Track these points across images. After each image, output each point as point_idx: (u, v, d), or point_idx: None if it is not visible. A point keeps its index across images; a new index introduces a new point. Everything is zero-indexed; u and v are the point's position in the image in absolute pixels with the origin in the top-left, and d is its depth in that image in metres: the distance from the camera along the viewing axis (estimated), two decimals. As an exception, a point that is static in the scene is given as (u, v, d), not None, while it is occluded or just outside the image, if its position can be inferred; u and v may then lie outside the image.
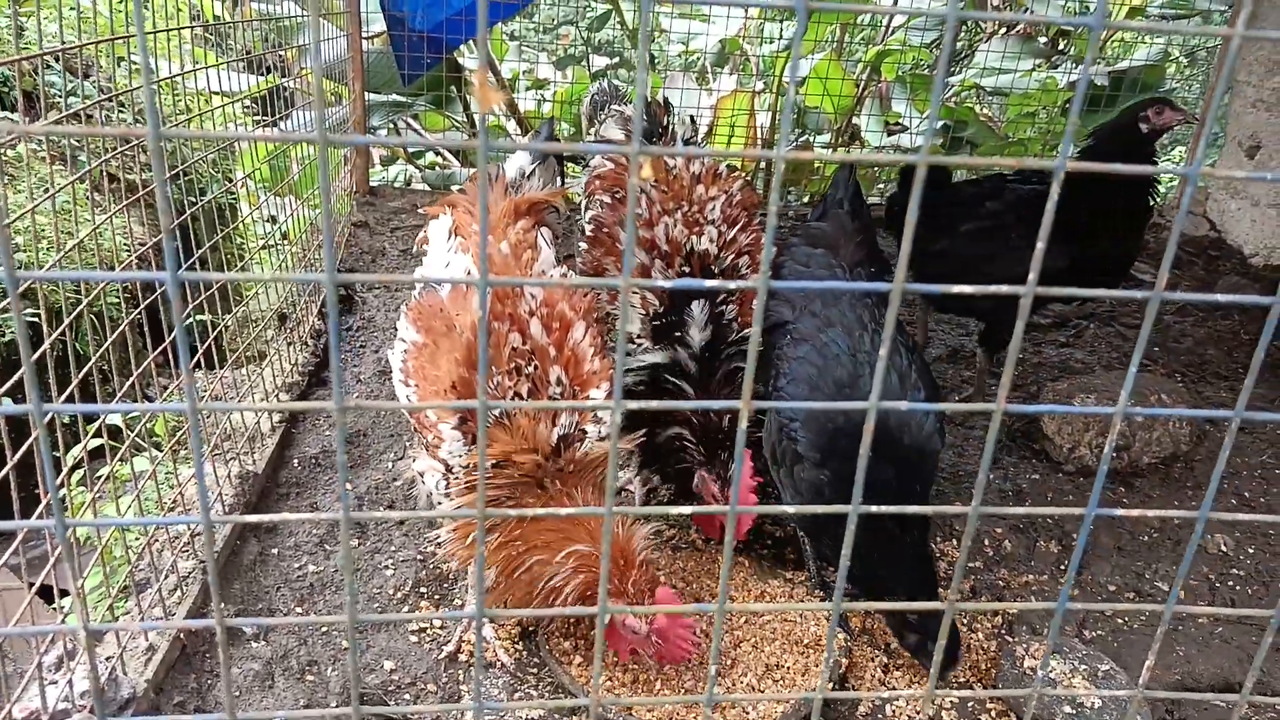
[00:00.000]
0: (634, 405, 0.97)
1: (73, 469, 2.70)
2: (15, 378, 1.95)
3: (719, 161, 3.57)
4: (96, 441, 2.44)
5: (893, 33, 7.61)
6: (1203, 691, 2.95)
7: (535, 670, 2.80)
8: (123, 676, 2.38)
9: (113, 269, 2.54)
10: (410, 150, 7.50)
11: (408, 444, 3.65)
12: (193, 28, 3.42)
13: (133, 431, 2.74)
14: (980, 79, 7.24)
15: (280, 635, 2.77)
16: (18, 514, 2.01)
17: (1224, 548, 3.50)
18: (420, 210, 3.49)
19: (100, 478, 2.52)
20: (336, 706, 2.60)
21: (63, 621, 2.59)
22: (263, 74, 4.47)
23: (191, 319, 3.11)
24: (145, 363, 2.57)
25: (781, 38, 7.15)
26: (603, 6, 7.66)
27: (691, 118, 4.15)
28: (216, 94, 3.54)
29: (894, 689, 2.82)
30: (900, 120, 7.44)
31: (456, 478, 2.57)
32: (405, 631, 2.86)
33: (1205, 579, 3.37)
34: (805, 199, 7.08)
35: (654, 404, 0.98)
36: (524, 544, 2.51)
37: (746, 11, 7.07)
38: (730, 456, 3.08)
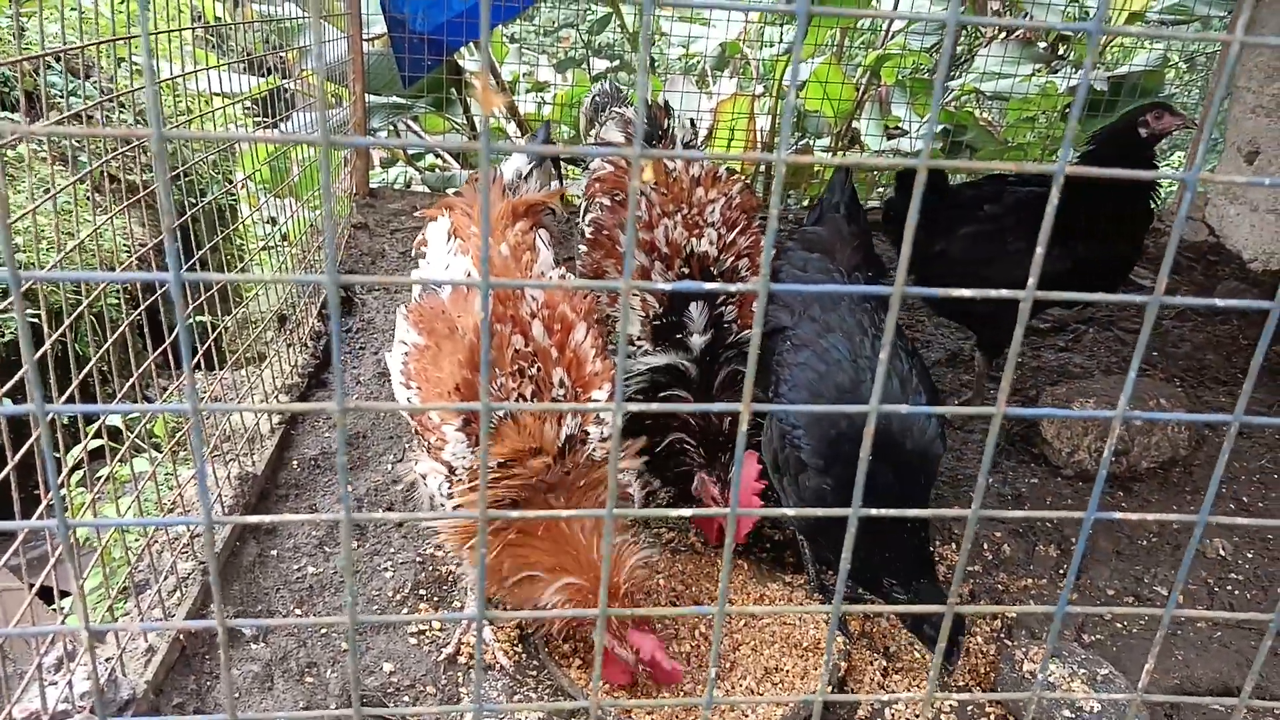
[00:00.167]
0: (635, 407, 0.97)
1: (72, 470, 2.70)
2: (15, 379, 1.95)
3: (718, 164, 3.58)
4: (96, 442, 2.44)
5: (892, 37, 7.62)
6: (1201, 695, 2.95)
7: (534, 673, 2.80)
8: (122, 678, 2.38)
9: (113, 270, 2.54)
10: (410, 152, 7.50)
11: (407, 446, 3.65)
12: (194, 29, 3.43)
13: (132, 432, 2.74)
14: (980, 83, 7.26)
15: (279, 637, 2.77)
16: (18, 514, 2.01)
17: (1222, 552, 3.50)
18: (419, 213, 3.49)
19: (100, 478, 2.52)
20: (336, 708, 2.60)
21: (63, 622, 2.59)
22: (263, 75, 4.48)
23: (191, 320, 3.11)
24: (145, 364, 2.57)
25: (781, 41, 7.16)
26: (603, 9, 7.67)
27: (691, 121, 4.16)
28: (217, 95, 3.54)
29: (893, 692, 2.82)
30: (900, 124, 7.45)
31: (460, 479, 2.57)
32: (404, 633, 2.86)
33: (1204, 583, 3.37)
34: (804, 202, 7.08)
35: (655, 406, 0.99)
36: (517, 554, 2.51)
37: (746, 15, 7.08)
38: (730, 459, 3.08)
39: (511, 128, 7.26)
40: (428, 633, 2.88)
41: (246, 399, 3.41)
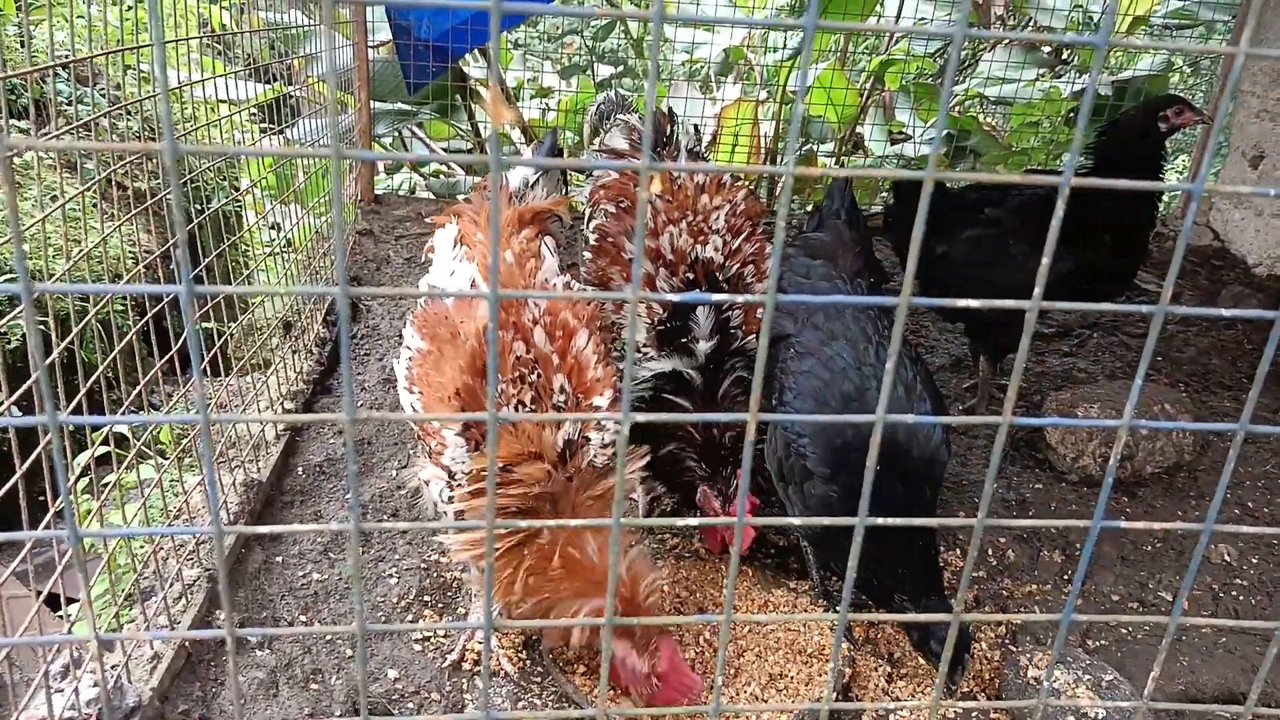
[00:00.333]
0: (642, 418, 0.97)
1: (79, 476, 2.71)
2: (25, 387, 1.96)
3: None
4: (103, 449, 2.45)
5: (896, 42, 7.63)
6: (1207, 702, 2.95)
7: (539, 680, 2.80)
8: (128, 684, 2.39)
9: (119, 277, 2.54)
10: (415, 158, 7.51)
11: (412, 452, 3.66)
12: (200, 38, 3.44)
13: (138, 440, 2.75)
14: (984, 88, 7.26)
15: (284, 644, 2.77)
16: (25, 521, 2.02)
17: (1227, 558, 3.49)
18: (427, 220, 3.50)
19: (106, 486, 2.53)
20: (341, 715, 2.61)
21: (70, 629, 2.59)
22: (268, 82, 4.49)
23: (198, 328, 3.12)
24: (152, 371, 2.58)
25: (785, 47, 7.17)
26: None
27: (696, 127, 4.16)
28: (223, 102, 3.55)
29: (898, 699, 2.82)
30: (904, 129, 7.45)
31: (460, 484, 2.58)
32: (409, 640, 2.86)
33: (1209, 589, 3.37)
34: (807, 207, 7.09)
35: (662, 416, 0.99)
36: (532, 586, 2.51)
37: (752, 18, 7.08)
38: (733, 472, 3.08)
39: (516, 134, 7.27)
40: (432, 639, 2.88)
41: (252, 406, 3.42)
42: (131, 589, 2.62)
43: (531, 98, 7.84)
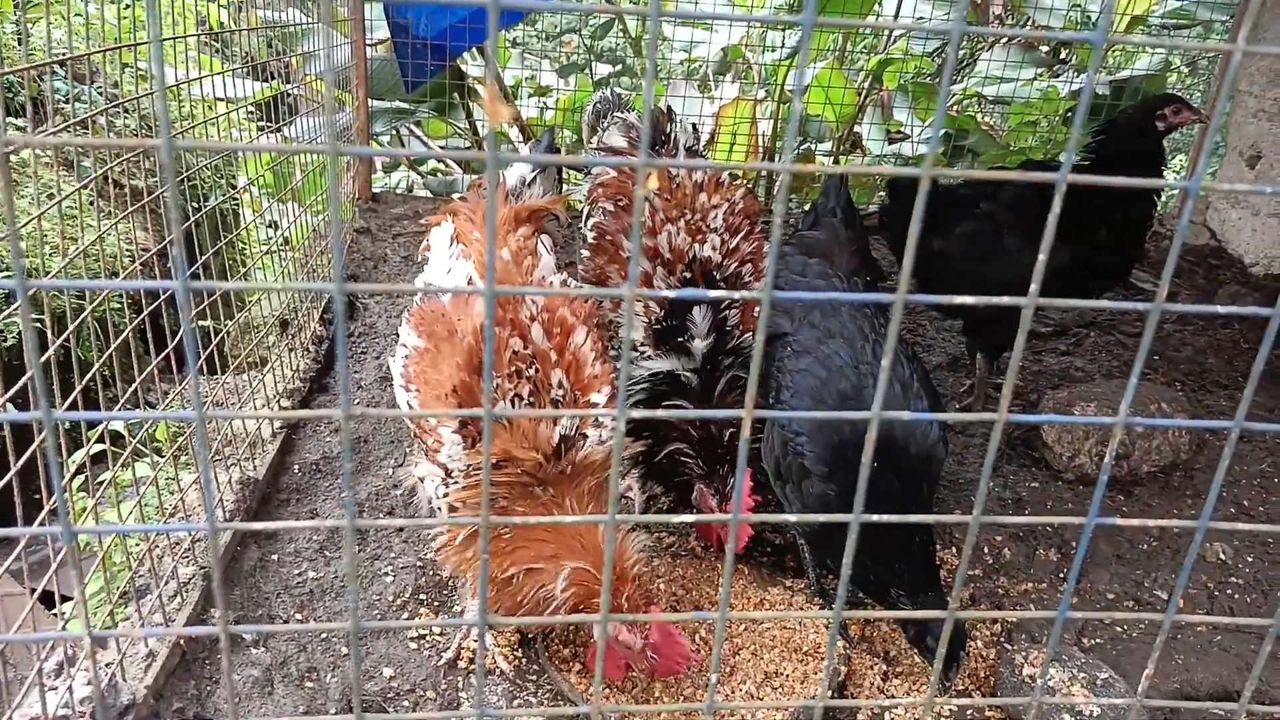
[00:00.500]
0: (638, 414, 0.97)
1: (75, 474, 2.71)
2: (20, 384, 1.95)
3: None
4: (98, 447, 2.45)
5: (895, 41, 7.63)
6: (1201, 699, 2.95)
7: (535, 677, 2.80)
8: (122, 683, 2.39)
9: (115, 274, 2.54)
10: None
11: (408, 450, 3.66)
12: (199, 36, 3.44)
13: (134, 438, 2.74)
14: (982, 87, 7.26)
15: (280, 642, 2.77)
16: (20, 518, 2.02)
17: (1223, 556, 3.50)
18: (423, 221, 3.50)
19: (101, 483, 2.53)
20: (336, 713, 2.60)
21: (64, 627, 2.59)
22: (266, 80, 4.49)
23: (194, 325, 3.12)
24: (148, 369, 2.57)
25: (784, 46, 7.17)
26: (605, 14, 7.68)
27: (694, 125, 4.16)
28: (220, 100, 3.55)
29: (893, 696, 2.82)
30: (902, 128, 7.45)
31: (456, 481, 2.58)
32: (404, 638, 2.86)
33: (1204, 587, 3.37)
34: (805, 206, 7.09)
35: (658, 413, 0.99)
36: (514, 555, 2.51)
37: (750, 15, 7.08)
38: (729, 470, 3.08)
39: (514, 133, 7.26)
40: (428, 637, 2.88)
41: (248, 404, 3.42)
42: (126, 587, 2.62)
43: (530, 96, 7.83)
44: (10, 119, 4.42)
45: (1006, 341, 4.19)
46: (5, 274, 3.36)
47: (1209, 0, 6.89)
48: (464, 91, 6.81)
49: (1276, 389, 4.60)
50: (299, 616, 2.91)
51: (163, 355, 2.66)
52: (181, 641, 2.64)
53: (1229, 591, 3.36)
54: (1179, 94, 5.33)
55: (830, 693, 2.74)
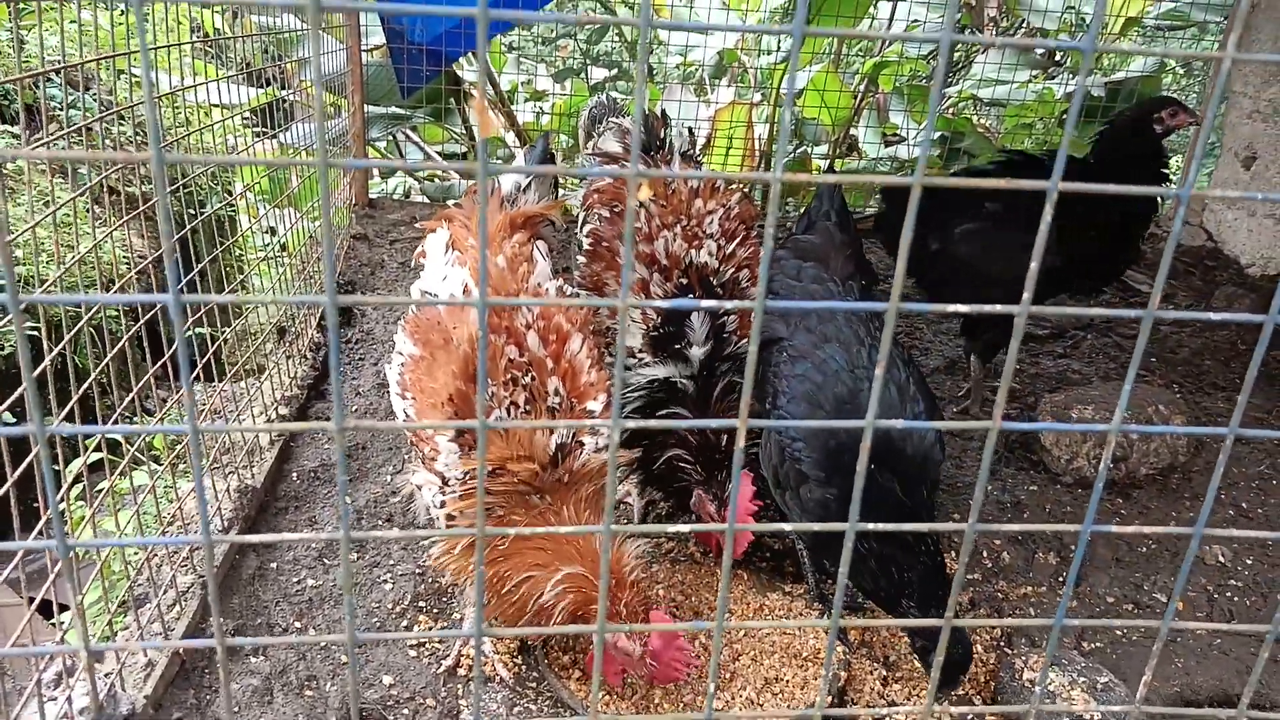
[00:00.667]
0: (633, 424, 0.97)
1: (72, 484, 2.70)
2: (16, 394, 1.95)
3: (717, 174, 3.58)
4: (95, 456, 2.45)
5: (889, 44, 7.64)
6: (1201, 703, 2.95)
7: (534, 685, 2.80)
8: (121, 693, 2.38)
9: (113, 282, 2.54)
10: (409, 160, 7.51)
11: (406, 458, 3.65)
12: (193, 43, 3.44)
13: (132, 446, 2.74)
14: (977, 90, 7.27)
15: (279, 650, 2.77)
16: (17, 528, 2.01)
17: (1221, 559, 3.50)
18: (418, 224, 3.50)
19: (99, 492, 2.52)
20: (335, 721, 2.60)
21: (62, 638, 2.58)
22: (262, 86, 4.49)
23: (190, 332, 3.12)
24: (145, 378, 2.57)
25: (779, 49, 7.18)
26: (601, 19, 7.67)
27: (690, 129, 4.16)
28: (216, 107, 3.55)
29: (893, 702, 2.82)
30: (898, 131, 7.46)
31: (452, 489, 2.58)
32: (404, 646, 2.86)
33: (1203, 590, 3.37)
34: (801, 209, 7.09)
35: (652, 423, 0.99)
36: (510, 562, 2.51)
37: (744, 23, 7.09)
38: (728, 476, 3.08)
39: (510, 137, 7.27)
40: (427, 645, 2.88)
41: (246, 411, 3.41)
42: (125, 596, 2.61)
43: (525, 101, 7.84)
44: (5, 126, 4.42)
45: (1003, 340, 4.20)
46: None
47: (1203, 1, 6.91)
48: (460, 97, 6.81)
49: (1273, 390, 4.60)
50: (298, 625, 2.90)
51: (160, 363, 2.66)
52: (180, 651, 2.63)
53: (1228, 594, 3.36)
54: (1174, 96, 5.35)
55: (830, 699, 2.74)
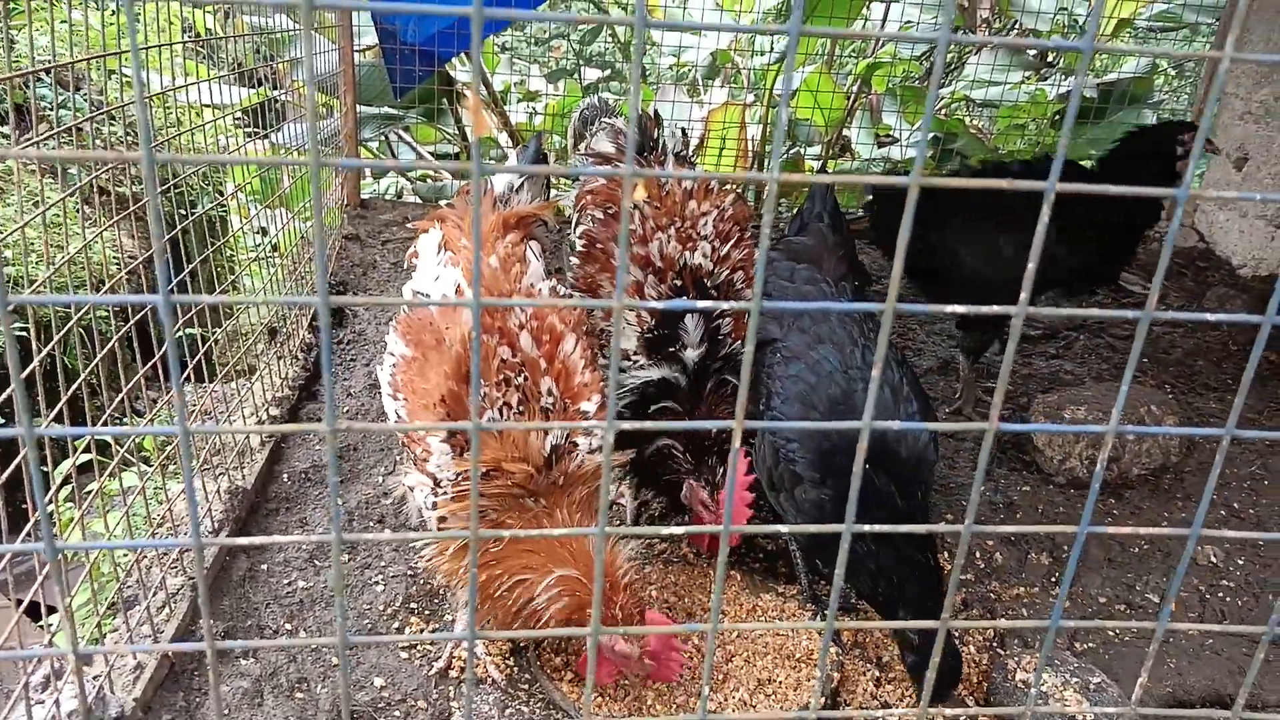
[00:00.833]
0: (628, 425, 0.97)
1: (61, 485, 2.69)
2: (4, 395, 1.93)
3: (710, 175, 3.58)
4: (85, 457, 2.43)
5: (883, 45, 7.65)
6: (1193, 703, 2.96)
7: (526, 686, 2.79)
8: (110, 695, 2.36)
9: (103, 283, 2.53)
10: (401, 160, 7.49)
11: (398, 459, 3.64)
12: (185, 43, 3.42)
13: (122, 447, 2.72)
14: (970, 91, 7.28)
15: (269, 652, 2.75)
16: (5, 530, 2.00)
17: (1214, 559, 3.51)
18: (410, 224, 3.49)
19: (89, 493, 2.50)
20: (327, 723, 2.59)
21: (50, 640, 2.57)
22: (254, 86, 4.47)
23: (181, 333, 3.10)
24: (134, 379, 2.56)
25: (773, 50, 7.18)
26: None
27: (683, 130, 4.15)
28: (208, 107, 3.53)
29: (886, 703, 2.82)
30: (891, 132, 7.47)
31: (445, 491, 2.56)
32: (395, 648, 2.84)
33: (1196, 590, 3.38)
34: (794, 210, 7.09)
35: (648, 425, 0.98)
36: (502, 565, 2.50)
37: (738, 24, 7.09)
38: (719, 461, 3.07)
39: (503, 138, 7.26)
40: (419, 647, 2.87)
41: (237, 412, 3.40)
42: (114, 598, 2.60)
43: (518, 101, 7.83)
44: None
45: (994, 338, 4.22)
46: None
47: (1195, 3, 6.93)
48: (452, 97, 6.80)
49: (1266, 391, 4.62)
50: (289, 627, 2.89)
51: (150, 364, 2.65)
52: (170, 653, 2.62)
53: (1220, 594, 3.36)
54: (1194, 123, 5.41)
55: (824, 700, 2.73)
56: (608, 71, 8.96)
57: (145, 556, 2.76)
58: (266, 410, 3.63)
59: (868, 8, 7.08)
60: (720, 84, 8.36)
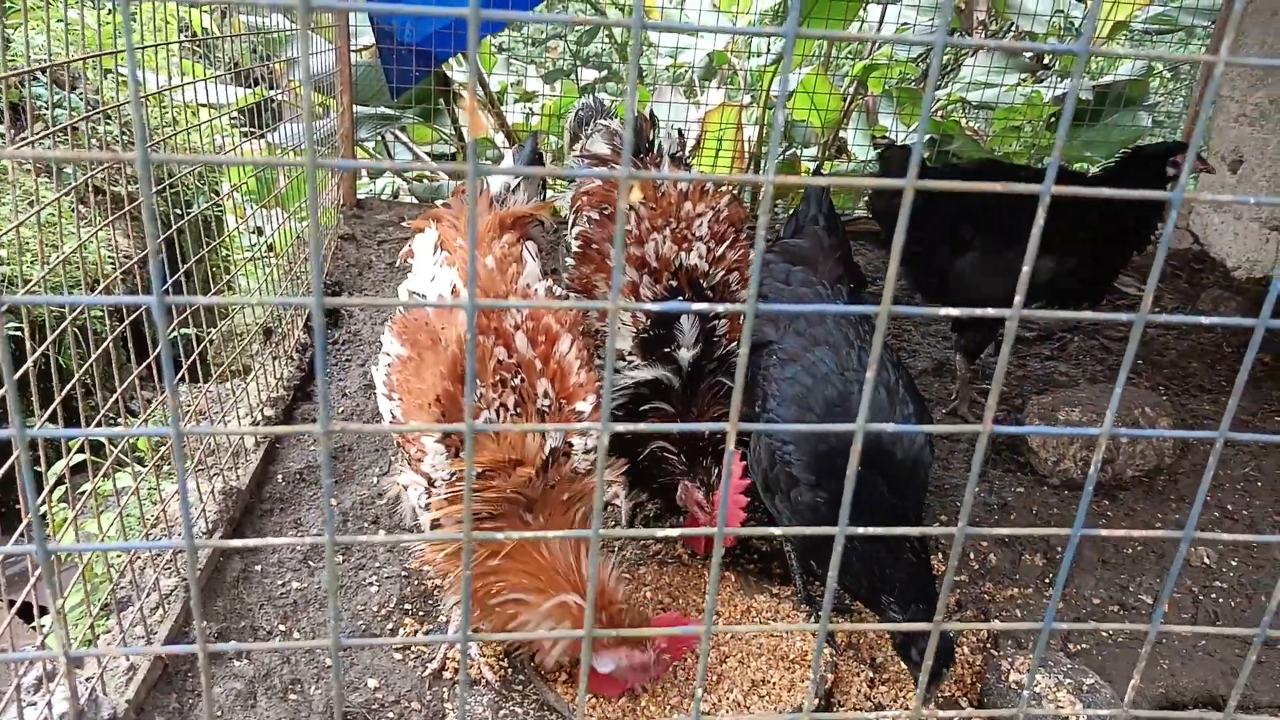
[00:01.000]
0: (622, 428, 0.96)
1: (55, 485, 2.68)
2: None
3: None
4: (79, 457, 2.42)
5: (879, 47, 7.65)
6: (1186, 704, 2.96)
7: (520, 687, 2.78)
8: (103, 697, 2.36)
9: (98, 283, 2.52)
10: (398, 160, 7.49)
11: (392, 459, 3.64)
12: (180, 42, 3.42)
13: (116, 447, 2.71)
14: (966, 93, 7.29)
15: (263, 654, 2.75)
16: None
17: (1207, 560, 3.51)
18: (406, 224, 3.48)
19: (82, 494, 2.50)
20: (321, 724, 2.58)
21: (43, 642, 2.56)
22: (251, 86, 4.46)
23: (176, 334, 3.10)
24: (129, 379, 2.55)
25: (769, 52, 7.18)
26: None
27: (680, 131, 4.15)
28: (205, 106, 3.53)
29: (880, 704, 2.82)
30: (887, 134, 7.47)
31: (439, 491, 2.56)
32: (389, 649, 2.84)
33: (1189, 591, 3.38)
34: (790, 211, 7.09)
35: (642, 426, 0.98)
36: (498, 576, 2.49)
37: (735, 25, 7.09)
38: (713, 462, 3.07)
39: (500, 138, 7.25)
40: (413, 648, 2.86)
41: (231, 412, 3.39)
42: (108, 598, 2.59)
43: (515, 102, 7.83)
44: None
45: (989, 339, 4.24)
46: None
47: (1191, 6, 6.94)
48: (449, 97, 6.79)
49: (1260, 393, 4.63)
50: (283, 628, 2.88)
51: (145, 364, 2.64)
52: (163, 655, 2.61)
53: (1213, 595, 3.37)
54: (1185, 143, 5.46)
55: (817, 700, 2.74)
56: (605, 72, 8.96)
57: (139, 557, 2.76)
58: (261, 410, 3.63)
59: (865, 9, 7.08)
60: (717, 85, 8.36)
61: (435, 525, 2.57)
